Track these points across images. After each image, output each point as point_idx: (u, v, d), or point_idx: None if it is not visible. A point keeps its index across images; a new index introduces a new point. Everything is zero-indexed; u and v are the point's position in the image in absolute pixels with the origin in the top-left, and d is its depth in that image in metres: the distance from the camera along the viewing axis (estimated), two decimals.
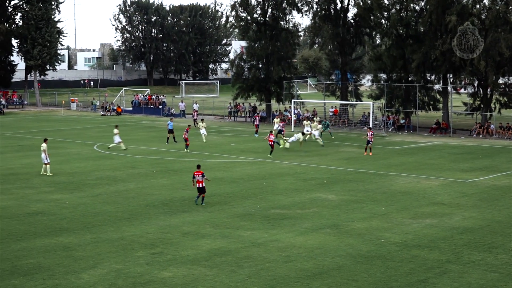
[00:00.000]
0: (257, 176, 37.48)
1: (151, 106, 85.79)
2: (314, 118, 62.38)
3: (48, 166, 37.83)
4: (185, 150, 48.02)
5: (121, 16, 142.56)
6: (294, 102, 69.51)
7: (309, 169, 40.19)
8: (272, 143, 45.33)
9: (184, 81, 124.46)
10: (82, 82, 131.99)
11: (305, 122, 56.50)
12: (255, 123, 60.36)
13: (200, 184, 29.42)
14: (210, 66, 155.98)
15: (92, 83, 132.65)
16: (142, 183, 35.00)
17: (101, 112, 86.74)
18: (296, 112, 69.41)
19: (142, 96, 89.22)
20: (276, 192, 32.59)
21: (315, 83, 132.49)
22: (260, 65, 76.20)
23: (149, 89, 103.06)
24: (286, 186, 34.24)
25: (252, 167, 40.77)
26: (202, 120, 57.14)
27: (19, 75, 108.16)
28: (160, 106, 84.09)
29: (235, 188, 33.64)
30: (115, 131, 48.83)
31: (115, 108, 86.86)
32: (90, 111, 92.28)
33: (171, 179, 36.33)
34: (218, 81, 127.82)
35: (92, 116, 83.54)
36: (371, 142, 46.91)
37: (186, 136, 48.64)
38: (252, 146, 51.29)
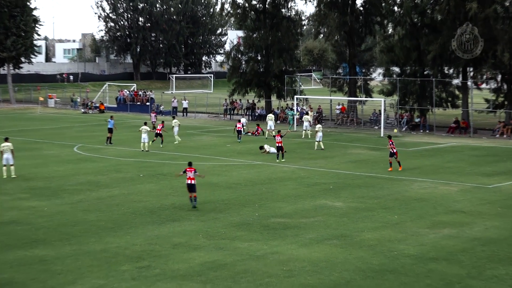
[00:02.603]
0: (255, 180, 37.42)
1: (138, 103, 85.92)
2: (309, 113, 64.04)
3: (12, 167, 37.92)
4: (161, 145, 51.40)
5: (104, 3, 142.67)
6: (296, 98, 69.51)
7: (314, 173, 40.13)
8: (281, 144, 44.78)
9: (174, 75, 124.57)
10: (58, 76, 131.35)
11: (306, 117, 58.02)
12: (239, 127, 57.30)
13: (192, 181, 29.96)
14: (204, 58, 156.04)
15: (71, 77, 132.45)
16: (128, 189, 34.92)
17: (82, 110, 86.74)
18: (299, 110, 69.39)
19: (127, 92, 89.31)
20: (276, 199, 32.53)
21: (320, 77, 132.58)
22: (259, 58, 76.23)
23: (135, 84, 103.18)
24: (288, 192, 34.19)
25: (250, 171, 40.71)
26: (173, 117, 57.31)
27: None
28: (147, 103, 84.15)
29: (231, 194, 33.57)
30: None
31: (98, 105, 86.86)
32: (69, 108, 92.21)
33: (159, 184, 36.26)
34: (212, 75, 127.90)
35: (72, 114, 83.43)
36: (395, 155, 41.00)
37: (161, 132, 52.00)
38: (250, 148, 51.26)
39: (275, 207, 30.71)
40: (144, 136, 48.85)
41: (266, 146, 48.59)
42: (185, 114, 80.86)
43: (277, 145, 44.89)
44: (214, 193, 33.64)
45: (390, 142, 41.08)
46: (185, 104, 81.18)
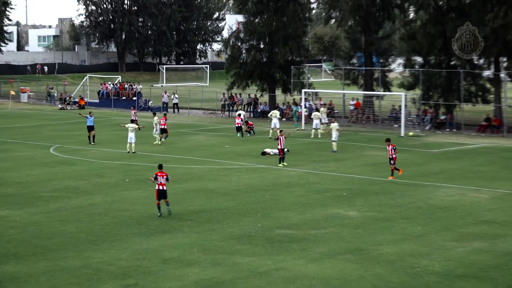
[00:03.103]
0: (258, 186, 37.42)
1: (123, 98, 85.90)
2: (322, 109, 63.85)
3: None
4: (163, 140, 53.73)
5: None
6: (304, 92, 69.44)
7: (325, 177, 40.12)
8: (281, 146, 44.53)
9: (164, 66, 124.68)
10: (29, 68, 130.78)
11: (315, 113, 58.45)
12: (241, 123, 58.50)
13: (163, 187, 30.56)
14: (198, 47, 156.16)
15: (46, 68, 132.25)
16: (112, 196, 34.91)
17: (59, 106, 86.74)
18: (307, 106, 69.35)
19: (111, 85, 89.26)
20: (282, 208, 32.52)
21: (331, 68, 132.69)
22: (262, 46, 76.14)
23: (120, 76, 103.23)
24: (295, 200, 34.18)
25: (252, 175, 40.72)
26: (154, 113, 57.26)
27: None
28: (134, 98, 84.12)
29: (230, 202, 33.57)
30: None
31: (77, 100, 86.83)
32: (45, 103, 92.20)
33: (148, 190, 36.18)
34: (208, 66, 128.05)
35: (47, 110, 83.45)
36: (392, 161, 40.06)
37: (166, 127, 53.71)
38: (252, 149, 51.24)
39: (281, 217, 30.69)
40: (131, 136, 48.84)
41: (268, 150, 48.55)
42: (176, 110, 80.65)
43: (278, 146, 44.55)
44: (211, 201, 33.61)
45: (392, 147, 39.90)
46: (175, 99, 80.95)
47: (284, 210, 31.97)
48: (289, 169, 42.89)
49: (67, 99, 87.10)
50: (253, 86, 78.24)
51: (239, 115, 59.55)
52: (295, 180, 39.30)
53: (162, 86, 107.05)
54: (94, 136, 53.26)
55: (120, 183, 38.20)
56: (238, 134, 56.92)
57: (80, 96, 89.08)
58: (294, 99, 74.32)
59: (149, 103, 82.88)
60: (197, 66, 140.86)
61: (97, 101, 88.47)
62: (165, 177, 30.61)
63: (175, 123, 66.68)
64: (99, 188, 36.85)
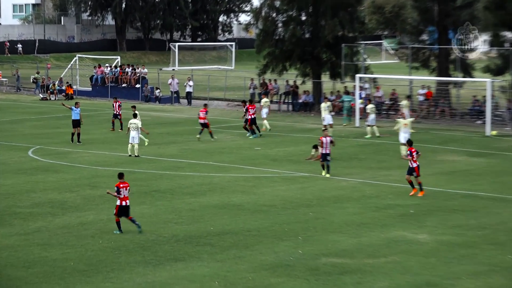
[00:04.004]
0: (298, 201, 37.42)
1: (123, 85, 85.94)
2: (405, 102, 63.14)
3: None
4: (212, 139, 55.76)
5: None
6: (359, 78, 69.24)
7: (385, 190, 40.04)
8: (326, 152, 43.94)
9: (177, 44, 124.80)
10: None
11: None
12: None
13: (127, 202, 31.45)
14: (220, 19, 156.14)
15: (20, 46, 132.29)
16: (108, 213, 34.98)
17: (41, 95, 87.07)
18: (363, 96, 69.01)
19: (108, 69, 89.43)
20: (330, 229, 32.53)
21: (394, 47, 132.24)
22: (304, 18, 76.05)
23: (119, 57, 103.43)
24: (346, 219, 34.16)
25: (290, 187, 40.73)
26: (134, 107, 56.50)
27: None
28: (137, 85, 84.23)
29: (262, 222, 33.60)
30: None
31: (64, 87, 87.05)
32: (22, 92, 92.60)
33: (155, 206, 36.32)
34: (233, 44, 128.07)
35: (25, 101, 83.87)
36: (414, 173, 38.82)
37: (206, 121, 56.03)
38: (291, 152, 51.25)
39: (328, 241, 30.70)
40: (133, 135, 48.92)
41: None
42: (189, 101, 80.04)
43: (323, 151, 43.88)
44: (237, 220, 33.62)
45: (413, 151, 39.01)
46: (188, 87, 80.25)
47: (332, 232, 31.99)
48: (339, 178, 42.82)
49: (50, 86, 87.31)
50: (292, 70, 78.10)
51: (250, 102, 59.32)
52: (347, 193, 39.28)
53: (173, 69, 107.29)
54: (79, 134, 53.47)
55: None
56: (251, 135, 57.52)
57: (67, 82, 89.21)
58: (345, 86, 74.16)
59: (157, 92, 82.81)
60: (219, 44, 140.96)
61: (90, 89, 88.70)
62: (128, 188, 31.52)
63: (188, 118, 66.53)
64: (91, 203, 37.02)
